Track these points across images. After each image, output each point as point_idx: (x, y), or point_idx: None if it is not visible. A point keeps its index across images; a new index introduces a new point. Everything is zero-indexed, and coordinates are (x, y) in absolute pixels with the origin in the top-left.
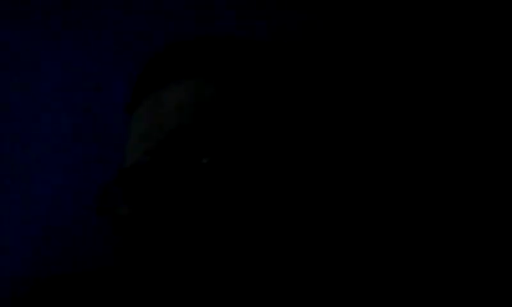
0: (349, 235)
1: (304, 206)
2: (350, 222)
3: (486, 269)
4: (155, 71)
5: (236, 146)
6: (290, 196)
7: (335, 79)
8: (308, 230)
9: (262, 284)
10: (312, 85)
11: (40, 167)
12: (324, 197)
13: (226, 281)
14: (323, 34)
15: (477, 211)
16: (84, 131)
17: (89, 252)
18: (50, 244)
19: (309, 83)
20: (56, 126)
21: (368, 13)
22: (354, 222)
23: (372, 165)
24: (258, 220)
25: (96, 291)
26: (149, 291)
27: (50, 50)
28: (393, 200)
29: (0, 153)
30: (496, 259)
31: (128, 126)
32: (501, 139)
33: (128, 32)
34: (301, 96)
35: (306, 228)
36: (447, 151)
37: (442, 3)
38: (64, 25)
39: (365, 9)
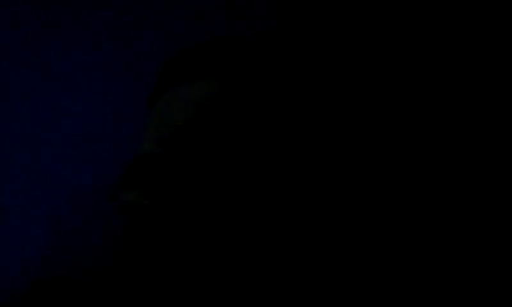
0: (348, 233)
1: (304, 202)
2: (350, 220)
3: (486, 269)
4: (172, 72)
5: (242, 143)
6: (288, 189)
7: (337, 80)
8: (308, 225)
9: (267, 275)
10: (315, 85)
11: (41, 168)
12: (324, 194)
13: (233, 271)
14: (325, 36)
15: (477, 211)
16: (87, 133)
17: (90, 252)
18: (52, 244)
19: (313, 84)
20: (60, 127)
21: (368, 13)
22: (354, 220)
23: (372, 164)
24: (260, 217)
25: (96, 293)
26: (152, 279)
27: (59, 50)
28: (392, 200)
29: (2, 154)
30: (497, 259)
31: (146, 120)
32: (501, 139)
33: (134, 36)
34: (305, 97)
35: (306, 223)
36: (447, 152)
37: (442, 3)
38: (75, 25)
39: (365, 10)
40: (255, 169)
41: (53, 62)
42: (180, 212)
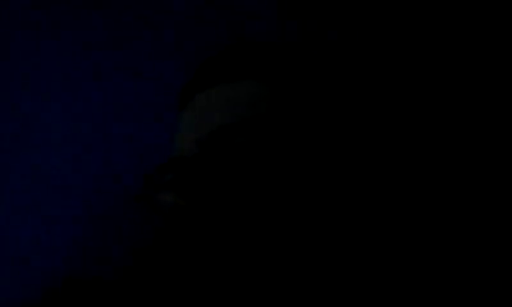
0: (351, 232)
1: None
2: (354, 220)
3: (486, 269)
4: (208, 71)
5: (282, 144)
6: (333, 196)
7: (363, 80)
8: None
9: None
10: (351, 85)
11: (45, 169)
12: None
13: (272, 276)
14: (325, 36)
15: (477, 211)
16: (86, 133)
17: (116, 253)
18: (80, 244)
19: (348, 84)
20: (60, 128)
21: (369, 13)
22: (357, 219)
23: (376, 162)
24: (300, 220)
25: (129, 293)
26: (186, 280)
27: (59, 50)
28: (396, 201)
29: (20, 156)
30: (497, 259)
31: (179, 119)
32: (501, 139)
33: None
34: (340, 99)
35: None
36: (448, 152)
37: (442, 3)
38: (75, 25)
39: (366, 9)
40: (295, 173)
41: (53, 62)
42: (216, 214)
